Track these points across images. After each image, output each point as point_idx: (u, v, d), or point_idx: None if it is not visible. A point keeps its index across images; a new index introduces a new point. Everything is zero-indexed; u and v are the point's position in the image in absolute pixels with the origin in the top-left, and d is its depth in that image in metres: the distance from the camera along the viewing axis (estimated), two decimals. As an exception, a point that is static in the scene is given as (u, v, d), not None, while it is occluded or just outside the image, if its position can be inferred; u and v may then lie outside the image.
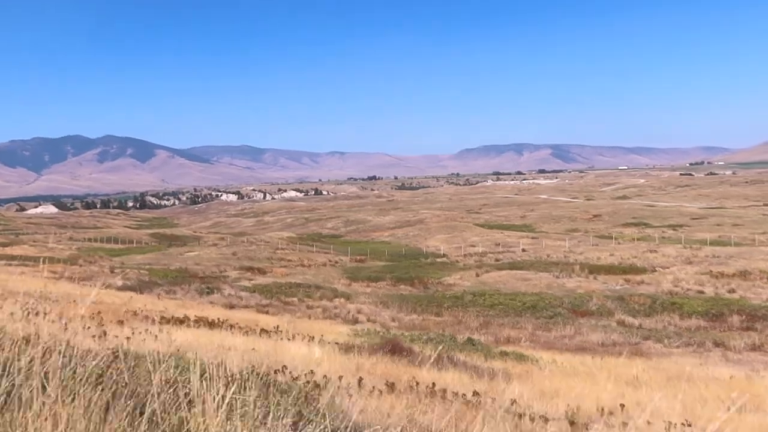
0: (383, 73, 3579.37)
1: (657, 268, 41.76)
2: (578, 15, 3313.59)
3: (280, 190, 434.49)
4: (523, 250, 56.77)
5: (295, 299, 30.96)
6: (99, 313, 12.81)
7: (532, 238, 66.12)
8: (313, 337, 14.21)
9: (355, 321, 25.34)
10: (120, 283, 34.94)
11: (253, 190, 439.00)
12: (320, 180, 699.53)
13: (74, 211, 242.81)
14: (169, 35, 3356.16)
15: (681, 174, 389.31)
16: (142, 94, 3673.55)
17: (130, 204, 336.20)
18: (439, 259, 54.79)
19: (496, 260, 50.30)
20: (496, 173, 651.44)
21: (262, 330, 14.76)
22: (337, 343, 12.73)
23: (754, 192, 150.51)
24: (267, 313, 25.57)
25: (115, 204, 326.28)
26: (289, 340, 13.37)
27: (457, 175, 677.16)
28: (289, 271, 45.98)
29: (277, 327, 15.78)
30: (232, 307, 27.81)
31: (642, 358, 18.28)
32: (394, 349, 11.26)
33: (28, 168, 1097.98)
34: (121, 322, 12.68)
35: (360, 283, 40.92)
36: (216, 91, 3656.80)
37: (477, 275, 42.28)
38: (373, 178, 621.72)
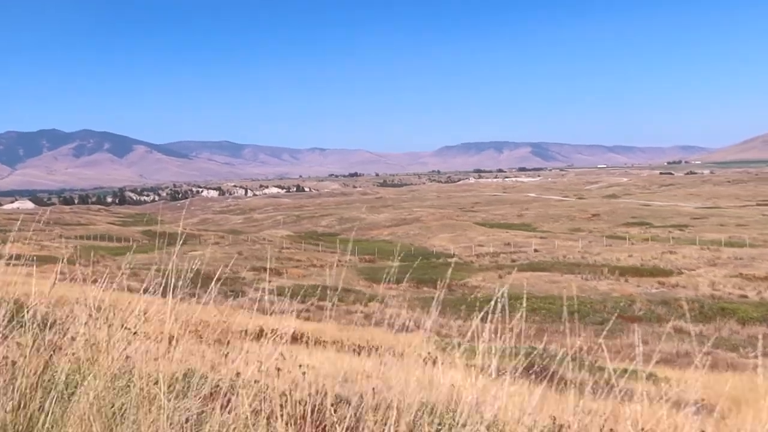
0: (364, 71, 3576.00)
1: (683, 270, 40.90)
2: (559, 15, 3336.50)
3: (261, 186, 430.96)
4: (536, 251, 55.74)
5: (328, 303, 29.52)
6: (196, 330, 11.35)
7: (541, 237, 65.14)
8: (419, 354, 12.82)
9: (406, 328, 23.99)
10: (138, 285, 33.37)
11: (234, 186, 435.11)
12: (301, 176, 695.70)
13: (54, 207, 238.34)
14: (148, 29, 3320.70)
15: (661, 173, 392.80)
16: (120, 89, 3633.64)
17: (109, 199, 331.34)
18: (450, 259, 53.54)
19: (512, 261, 49.23)
20: (477, 171, 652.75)
21: (359, 347, 13.39)
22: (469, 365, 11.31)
23: (743, 192, 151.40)
24: (309, 319, 24.14)
25: (94, 199, 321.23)
26: (395, 357, 11.97)
27: (438, 172, 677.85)
28: (303, 271, 44.49)
29: (368, 342, 14.39)
30: (266, 312, 26.34)
31: (734, 371, 17.17)
32: (541, 371, 9.92)
33: (1, 162, 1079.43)
34: (219, 341, 11.23)
35: (379, 284, 39.51)
36: (196, 86, 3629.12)
37: (500, 276, 41.12)
38: (355, 174, 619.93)
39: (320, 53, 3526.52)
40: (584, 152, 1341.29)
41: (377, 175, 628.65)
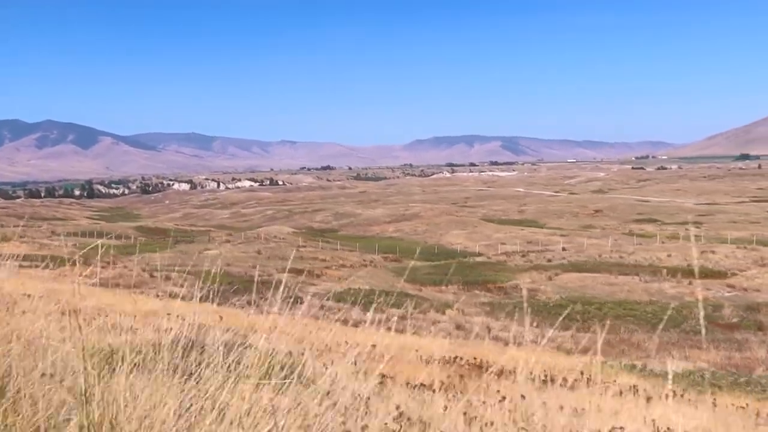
0: (334, 62, 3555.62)
1: (735, 272, 39.60)
2: (528, 10, 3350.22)
3: (233, 179, 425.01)
4: (563, 249, 54.10)
5: (400, 311, 27.34)
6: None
7: (562, 235, 63.57)
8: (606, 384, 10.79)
9: (504, 341, 21.99)
10: (178, 290, 30.73)
11: (206, 179, 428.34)
12: (272, 169, 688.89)
13: (24, 201, 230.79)
14: (113, 17, 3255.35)
15: (633, 168, 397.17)
16: (85, 78, 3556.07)
17: (78, 192, 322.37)
18: (478, 258, 51.79)
19: (548, 261, 47.51)
20: (450, 164, 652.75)
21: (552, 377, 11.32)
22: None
23: (725, 187, 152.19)
24: (403, 331, 22.06)
25: (61, 192, 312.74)
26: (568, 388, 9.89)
27: (411, 165, 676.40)
28: (338, 272, 42.22)
29: (548, 370, 12.30)
30: (345, 323, 24.13)
31: None
32: None
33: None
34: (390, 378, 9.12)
35: (427, 287, 37.51)
36: (164, 76, 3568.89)
37: (549, 278, 39.39)
38: (327, 168, 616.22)
39: (289, 44, 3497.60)
40: (554, 147, 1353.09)
41: (350, 168, 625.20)
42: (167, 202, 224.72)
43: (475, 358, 14.24)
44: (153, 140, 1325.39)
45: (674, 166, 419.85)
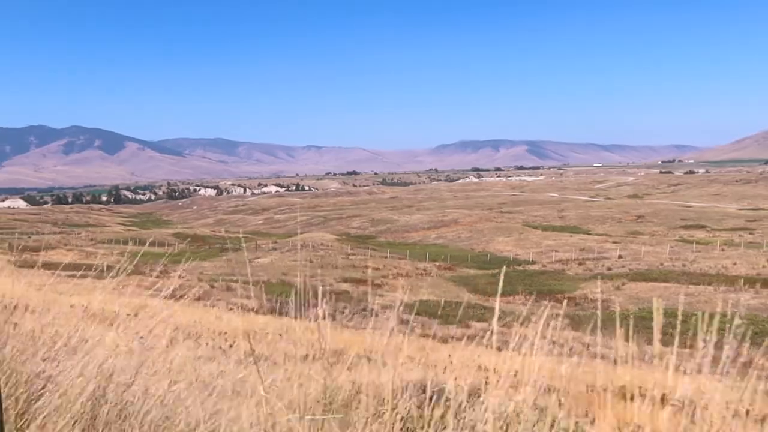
0: (361, 68, 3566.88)
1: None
2: (555, 14, 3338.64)
3: (260, 184, 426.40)
4: (620, 257, 52.78)
5: (485, 324, 26.46)
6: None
7: (614, 242, 62.14)
8: None
9: (610, 359, 21.02)
10: (246, 302, 30.05)
11: (232, 185, 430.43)
12: (297, 174, 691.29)
13: (54, 207, 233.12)
14: (140, 24, 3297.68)
15: (661, 172, 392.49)
16: (112, 84, 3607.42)
17: (104, 198, 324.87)
18: (533, 267, 50.67)
19: (608, 269, 46.26)
20: (476, 169, 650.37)
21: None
22: None
23: (765, 191, 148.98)
24: (500, 348, 21.15)
25: (89, 198, 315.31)
26: None
27: (436, 170, 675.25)
28: (398, 282, 41.35)
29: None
30: (440, 339, 23.27)
31: None
32: None
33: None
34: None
35: (492, 297, 36.56)
36: (190, 82, 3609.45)
37: (618, 288, 38.18)
38: (353, 173, 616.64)
39: (316, 50, 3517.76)
40: (579, 151, 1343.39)
41: (376, 173, 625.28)
42: (195, 207, 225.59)
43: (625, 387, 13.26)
44: (178, 146, 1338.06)
45: (702, 170, 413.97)
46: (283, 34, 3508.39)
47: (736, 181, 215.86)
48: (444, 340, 22.70)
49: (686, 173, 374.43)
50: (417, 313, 29.82)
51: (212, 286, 35.09)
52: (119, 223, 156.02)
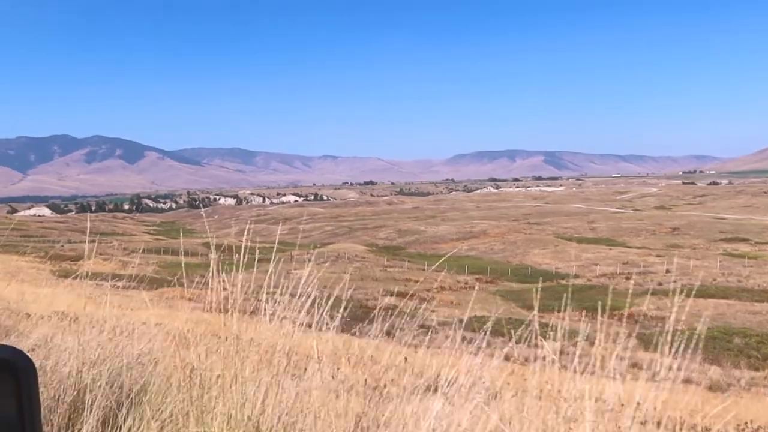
0: (376, 77, 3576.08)
1: None
2: (570, 23, 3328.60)
3: (278, 194, 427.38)
4: (667, 271, 51.09)
5: (554, 344, 25.14)
6: None
7: (657, 256, 60.47)
8: None
9: (713, 386, 19.57)
10: (301, 317, 28.86)
11: (251, 194, 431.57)
12: (314, 184, 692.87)
13: (78, 215, 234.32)
14: (160, 35, 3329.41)
15: (684, 183, 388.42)
16: (133, 94, 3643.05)
17: (126, 206, 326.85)
18: (577, 281, 49.19)
19: (658, 284, 44.58)
20: (493, 179, 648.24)
21: None
22: None
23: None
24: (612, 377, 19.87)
25: (111, 206, 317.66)
26: None
27: (452, 180, 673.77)
28: (446, 297, 40.14)
29: None
30: (519, 361, 22.05)
31: None
32: None
33: (13, 168, 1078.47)
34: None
35: (544, 313, 35.17)
36: (208, 92, 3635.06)
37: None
38: (370, 183, 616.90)
39: (332, 59, 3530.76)
40: (597, 161, 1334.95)
41: (393, 183, 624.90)
42: (217, 216, 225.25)
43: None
44: (197, 155, 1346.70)
45: (725, 181, 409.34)
46: (300, 45, 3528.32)
47: (765, 192, 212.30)
48: (523, 362, 21.32)
49: (710, 184, 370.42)
50: (480, 331, 28.55)
51: (258, 299, 34.03)
52: (145, 232, 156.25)
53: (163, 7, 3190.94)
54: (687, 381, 17.00)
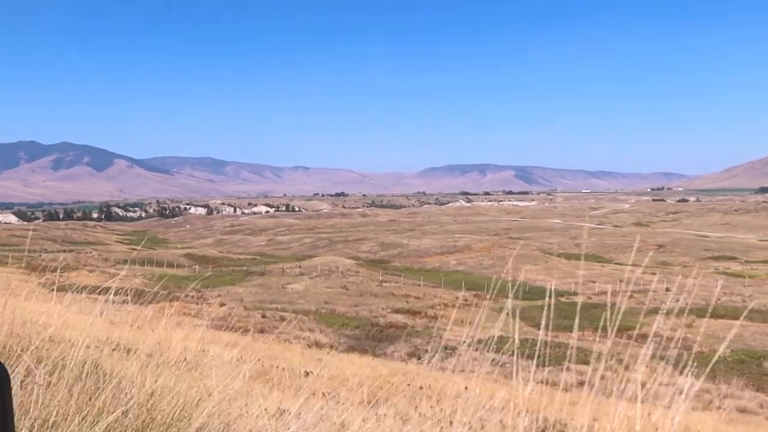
0: (347, 89, 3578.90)
1: None
2: (540, 40, 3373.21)
3: (249, 204, 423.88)
4: (667, 290, 50.51)
5: (583, 366, 24.05)
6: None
7: (653, 273, 59.93)
8: None
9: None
10: (320, 338, 27.42)
11: (222, 203, 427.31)
12: (285, 194, 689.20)
13: (49, 223, 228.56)
14: (130, 41, 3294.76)
15: (653, 200, 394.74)
16: (102, 101, 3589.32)
17: (95, 215, 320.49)
18: (576, 298, 48.28)
19: (662, 303, 43.70)
20: (464, 193, 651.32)
21: None
22: None
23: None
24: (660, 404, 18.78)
25: (79, 214, 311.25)
26: None
27: (424, 193, 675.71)
28: (449, 313, 38.88)
29: None
30: (553, 385, 20.92)
31: None
32: None
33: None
34: None
35: (558, 333, 34.19)
36: (179, 100, 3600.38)
37: (689, 326, 35.65)
38: (342, 194, 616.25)
39: (304, 70, 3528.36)
40: (567, 176, 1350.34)
41: (364, 195, 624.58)
42: (189, 226, 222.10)
43: None
44: (167, 164, 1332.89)
45: (692, 199, 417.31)
46: (272, 55, 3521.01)
47: (735, 211, 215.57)
48: (565, 389, 20.14)
49: (679, 201, 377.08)
50: (503, 352, 27.36)
51: (264, 316, 32.36)
52: (118, 241, 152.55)
53: (136, 12, 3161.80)
54: (743, 411, 15.74)
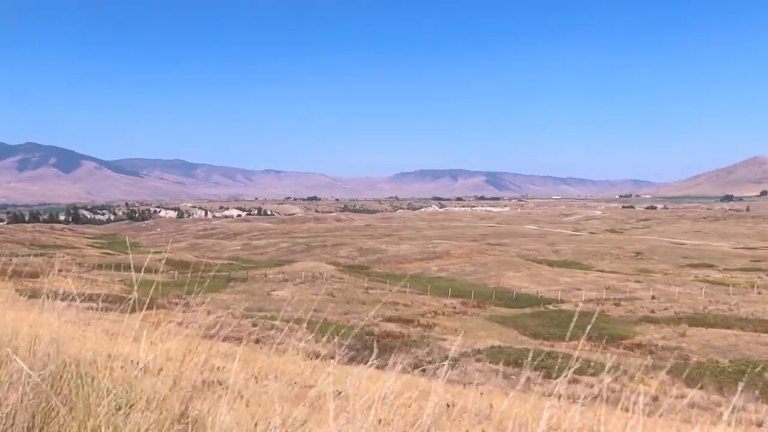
0: (319, 93, 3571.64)
1: None
2: (510, 48, 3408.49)
3: (221, 207, 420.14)
4: (653, 298, 50.67)
5: (590, 378, 23.51)
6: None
7: (637, 281, 60.21)
8: None
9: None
10: (317, 349, 26.55)
11: (193, 207, 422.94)
12: (257, 198, 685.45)
13: (15, 225, 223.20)
14: (97, 41, 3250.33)
15: (623, 207, 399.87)
16: (70, 101, 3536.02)
17: (62, 217, 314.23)
18: (564, 306, 48.16)
19: (651, 311, 43.98)
20: (437, 198, 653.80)
21: None
22: None
23: (746, 230, 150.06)
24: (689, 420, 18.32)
25: (46, 217, 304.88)
26: None
27: (397, 198, 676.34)
28: (443, 321, 38.40)
29: None
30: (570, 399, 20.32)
31: None
32: None
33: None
34: None
35: (552, 341, 33.79)
36: (150, 101, 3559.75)
37: (682, 335, 35.80)
38: (314, 198, 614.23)
39: (275, 73, 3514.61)
40: (537, 183, 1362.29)
41: (337, 199, 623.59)
42: (160, 230, 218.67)
43: None
44: (136, 166, 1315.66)
45: (660, 206, 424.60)
46: (242, 59, 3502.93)
47: (704, 218, 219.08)
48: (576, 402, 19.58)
49: (647, 208, 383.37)
50: (506, 363, 26.83)
51: (254, 325, 31.44)
52: (88, 245, 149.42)
53: (103, 10, 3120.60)
54: (760, 425, 15.32)
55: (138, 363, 4.32)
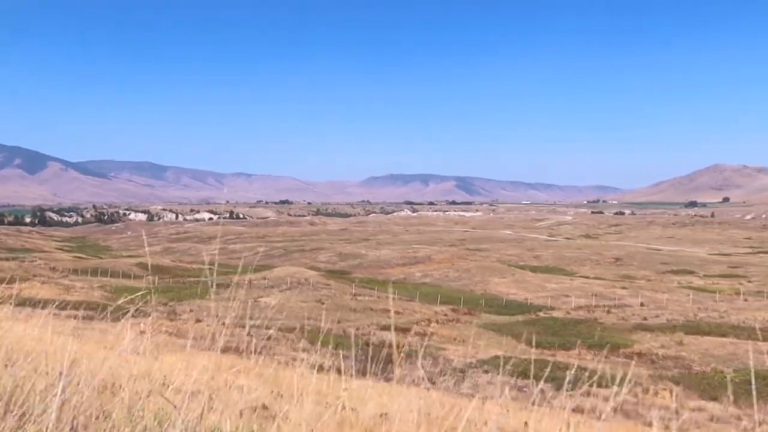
0: (290, 96, 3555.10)
1: None
2: (480, 53, 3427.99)
3: (192, 210, 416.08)
4: (642, 305, 50.78)
5: (603, 390, 23.20)
6: None
7: (623, 288, 60.33)
8: None
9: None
10: (320, 360, 25.75)
11: (163, 209, 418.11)
12: (228, 201, 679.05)
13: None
14: (65, 38, 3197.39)
15: (592, 212, 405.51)
16: (35, 101, 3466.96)
17: (28, 219, 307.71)
18: (555, 313, 47.97)
19: (643, 319, 43.92)
20: (408, 202, 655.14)
21: None
22: None
23: (716, 236, 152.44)
24: None
25: (10, 219, 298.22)
26: None
27: (368, 202, 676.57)
28: (437, 329, 37.84)
29: None
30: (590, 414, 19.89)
31: None
32: None
33: None
34: None
35: (552, 350, 33.43)
36: (118, 102, 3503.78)
37: (679, 343, 35.68)
38: (286, 202, 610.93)
39: (246, 76, 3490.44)
40: (507, 188, 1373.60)
41: (309, 203, 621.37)
42: (130, 233, 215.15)
43: None
44: (104, 167, 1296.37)
45: (627, 211, 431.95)
46: (213, 60, 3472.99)
47: (673, 224, 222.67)
48: (598, 417, 19.15)
49: (616, 213, 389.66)
50: (514, 374, 26.32)
51: (249, 334, 30.57)
52: (58, 248, 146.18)
53: (70, 7, 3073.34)
54: None
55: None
